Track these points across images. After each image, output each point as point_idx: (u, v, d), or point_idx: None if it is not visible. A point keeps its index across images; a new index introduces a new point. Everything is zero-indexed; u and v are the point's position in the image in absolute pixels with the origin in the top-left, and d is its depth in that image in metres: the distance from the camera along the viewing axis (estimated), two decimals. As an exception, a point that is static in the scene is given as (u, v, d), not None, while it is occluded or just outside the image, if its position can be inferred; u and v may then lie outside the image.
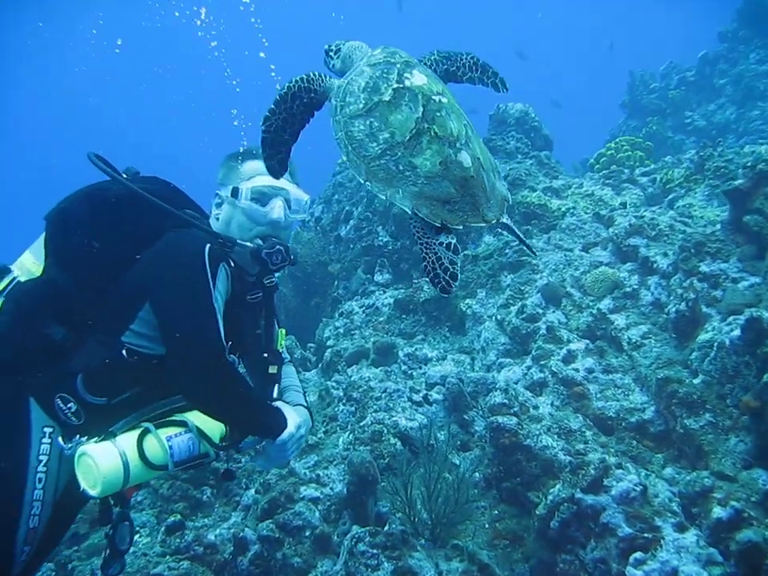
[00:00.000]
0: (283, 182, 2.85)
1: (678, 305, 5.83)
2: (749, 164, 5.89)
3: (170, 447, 2.39)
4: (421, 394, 6.49)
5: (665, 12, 59.75)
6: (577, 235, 7.63)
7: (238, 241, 2.72)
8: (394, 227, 9.06)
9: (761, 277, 5.60)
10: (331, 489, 5.60)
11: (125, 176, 2.78)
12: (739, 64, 16.10)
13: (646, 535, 4.59)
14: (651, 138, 15.16)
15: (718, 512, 4.56)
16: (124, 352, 2.45)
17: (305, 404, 2.98)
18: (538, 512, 5.11)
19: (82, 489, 2.31)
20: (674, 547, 4.49)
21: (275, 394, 2.92)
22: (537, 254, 7.45)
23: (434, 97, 2.76)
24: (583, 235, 7.60)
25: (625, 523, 4.66)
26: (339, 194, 11.21)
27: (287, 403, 2.83)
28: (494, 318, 7.11)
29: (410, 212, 2.61)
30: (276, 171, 2.69)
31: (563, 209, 8.29)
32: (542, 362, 6.17)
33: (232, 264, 2.69)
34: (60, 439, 2.43)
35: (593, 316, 6.54)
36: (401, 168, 2.64)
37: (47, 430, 2.43)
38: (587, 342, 6.36)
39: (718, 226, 6.30)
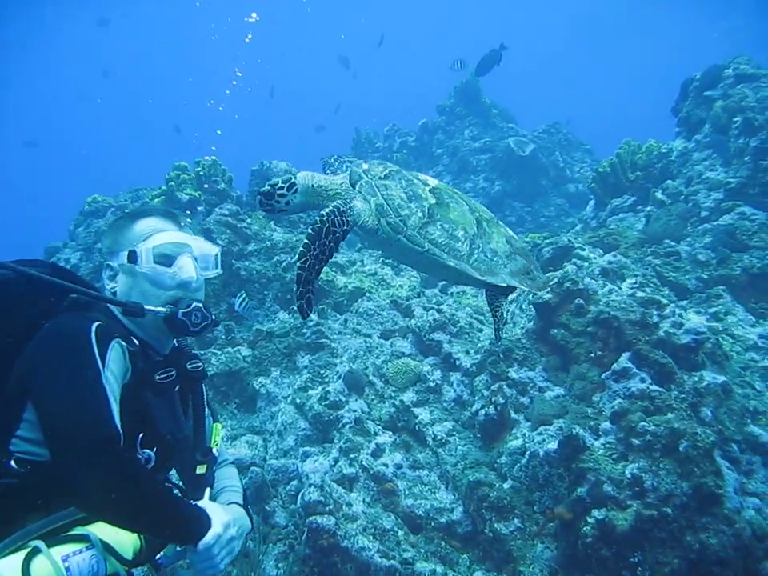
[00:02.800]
0: (185, 236, 2.46)
1: (486, 408, 6.06)
2: (556, 280, 6.39)
3: (67, 569, 1.88)
4: (221, 483, 5.97)
5: (389, 79, 65.07)
6: (375, 321, 7.66)
7: (145, 307, 2.28)
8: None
9: (565, 388, 6.04)
10: (128, 598, 4.87)
11: None
12: (455, 137, 17.77)
13: (474, 649, 4.61)
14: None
15: (538, 624, 4.73)
16: (13, 463, 1.98)
17: (241, 503, 2.52)
18: (360, 623, 4.92)
19: None
20: None
21: (206, 499, 2.43)
22: (334, 336, 7.35)
23: (454, 189, 3.11)
24: (381, 322, 7.66)
25: (454, 637, 4.64)
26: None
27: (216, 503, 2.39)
28: (290, 399, 6.82)
29: (526, 290, 3.10)
30: (305, 312, 2.77)
31: (350, 286, 8.32)
32: (352, 456, 6.02)
33: (135, 342, 2.26)
34: None
35: (395, 407, 6.57)
36: (488, 256, 2.99)
37: None
38: (392, 434, 6.37)
39: (518, 331, 6.71)
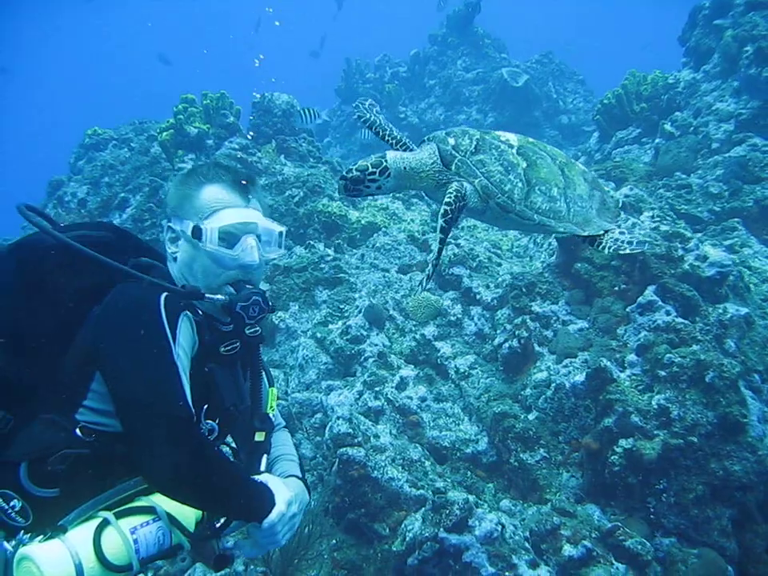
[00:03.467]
0: (252, 214, 2.38)
1: (510, 341, 6.11)
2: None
3: (135, 541, 1.91)
4: (249, 417, 6.06)
5: (379, 5, 63.68)
6: (392, 256, 7.65)
7: (206, 295, 2.24)
8: (182, 221, 8.26)
9: (588, 322, 6.09)
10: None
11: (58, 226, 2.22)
12: (447, 68, 17.50)
13: (507, 574, 4.75)
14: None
15: (569, 550, 4.87)
16: (78, 431, 1.98)
17: (299, 475, 2.53)
18: (394, 548, 5.09)
19: None
20: (531, 585, 4.71)
21: (263, 467, 2.44)
22: (352, 271, 7.35)
23: (532, 140, 3.13)
24: (398, 256, 7.65)
25: (488, 563, 4.80)
26: (110, 177, 10.06)
27: (276, 476, 2.40)
28: (310, 334, 6.85)
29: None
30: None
31: (363, 221, 8.28)
32: (377, 389, 6.09)
33: (200, 312, 2.24)
34: (4, 543, 1.91)
35: (416, 341, 6.62)
36: (580, 204, 3.05)
37: None
38: (415, 368, 6.44)
39: (538, 264, 6.72)
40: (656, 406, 5.19)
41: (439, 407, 6.12)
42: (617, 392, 5.28)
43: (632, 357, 5.53)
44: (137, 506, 1.99)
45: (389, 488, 5.35)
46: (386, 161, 2.96)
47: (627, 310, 5.80)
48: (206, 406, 2.20)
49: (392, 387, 6.12)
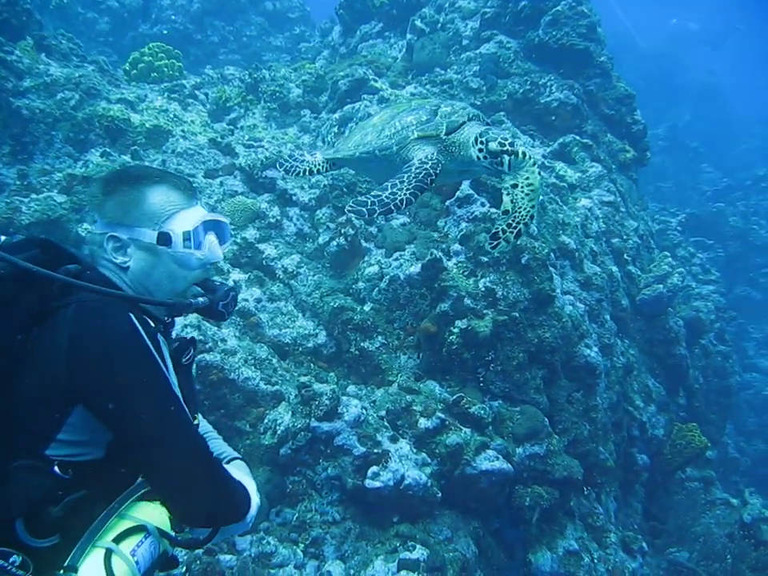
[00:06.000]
0: (203, 211, 2.31)
1: (337, 239, 6.39)
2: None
3: (137, 563, 2.00)
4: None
5: None
6: (196, 161, 7.37)
7: (192, 302, 2.21)
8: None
9: (409, 216, 6.53)
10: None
11: None
12: None
13: (376, 451, 5.20)
14: (59, 10, 14.01)
15: (424, 423, 5.45)
16: (56, 469, 1.93)
17: (238, 455, 2.55)
18: (265, 442, 5.33)
19: None
20: (397, 457, 5.22)
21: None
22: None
23: None
24: (203, 161, 7.39)
25: (358, 443, 5.21)
26: None
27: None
28: (122, 244, 6.51)
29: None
30: None
31: (147, 124, 7.84)
32: (212, 294, 6.05)
33: (157, 320, 2.20)
34: None
35: (237, 245, 6.61)
36: None
37: None
38: (242, 271, 6.45)
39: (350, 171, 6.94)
40: (483, 289, 5.83)
41: (274, 307, 6.27)
42: (449, 279, 5.82)
43: (456, 246, 6.10)
44: (131, 528, 2.03)
45: (246, 387, 5.53)
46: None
47: (446, 203, 6.32)
48: None
49: (227, 291, 6.12)
